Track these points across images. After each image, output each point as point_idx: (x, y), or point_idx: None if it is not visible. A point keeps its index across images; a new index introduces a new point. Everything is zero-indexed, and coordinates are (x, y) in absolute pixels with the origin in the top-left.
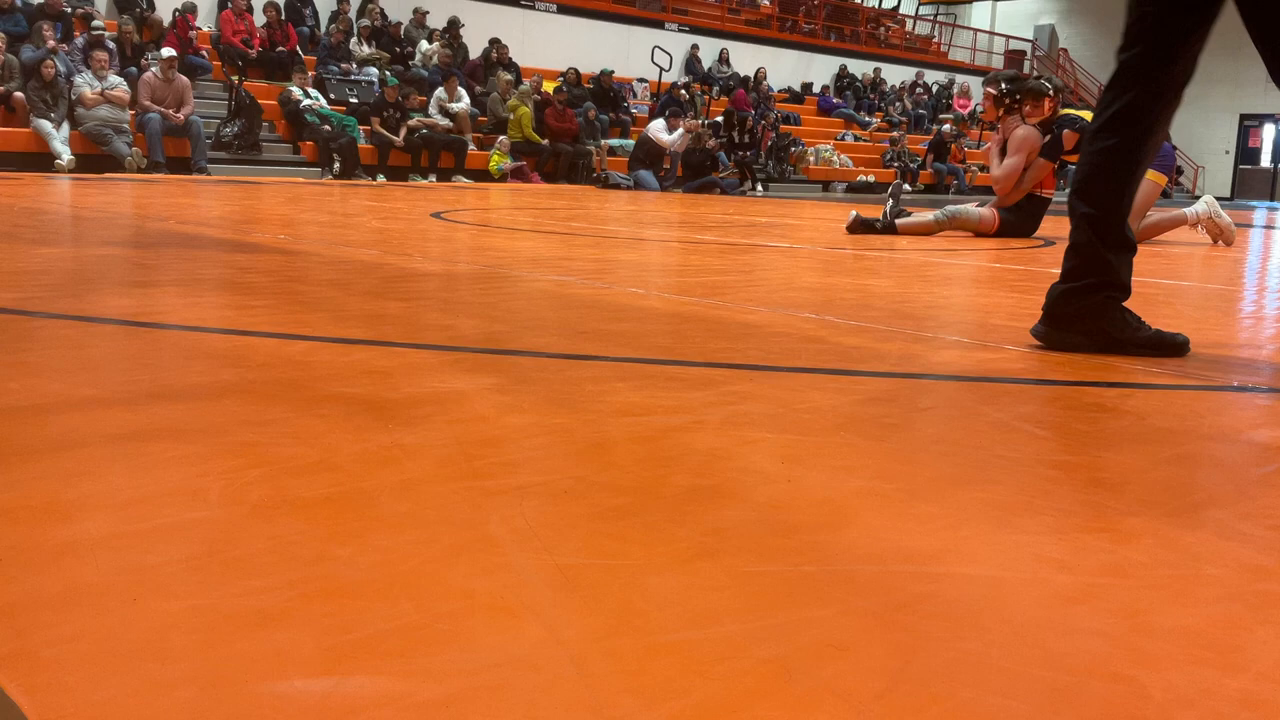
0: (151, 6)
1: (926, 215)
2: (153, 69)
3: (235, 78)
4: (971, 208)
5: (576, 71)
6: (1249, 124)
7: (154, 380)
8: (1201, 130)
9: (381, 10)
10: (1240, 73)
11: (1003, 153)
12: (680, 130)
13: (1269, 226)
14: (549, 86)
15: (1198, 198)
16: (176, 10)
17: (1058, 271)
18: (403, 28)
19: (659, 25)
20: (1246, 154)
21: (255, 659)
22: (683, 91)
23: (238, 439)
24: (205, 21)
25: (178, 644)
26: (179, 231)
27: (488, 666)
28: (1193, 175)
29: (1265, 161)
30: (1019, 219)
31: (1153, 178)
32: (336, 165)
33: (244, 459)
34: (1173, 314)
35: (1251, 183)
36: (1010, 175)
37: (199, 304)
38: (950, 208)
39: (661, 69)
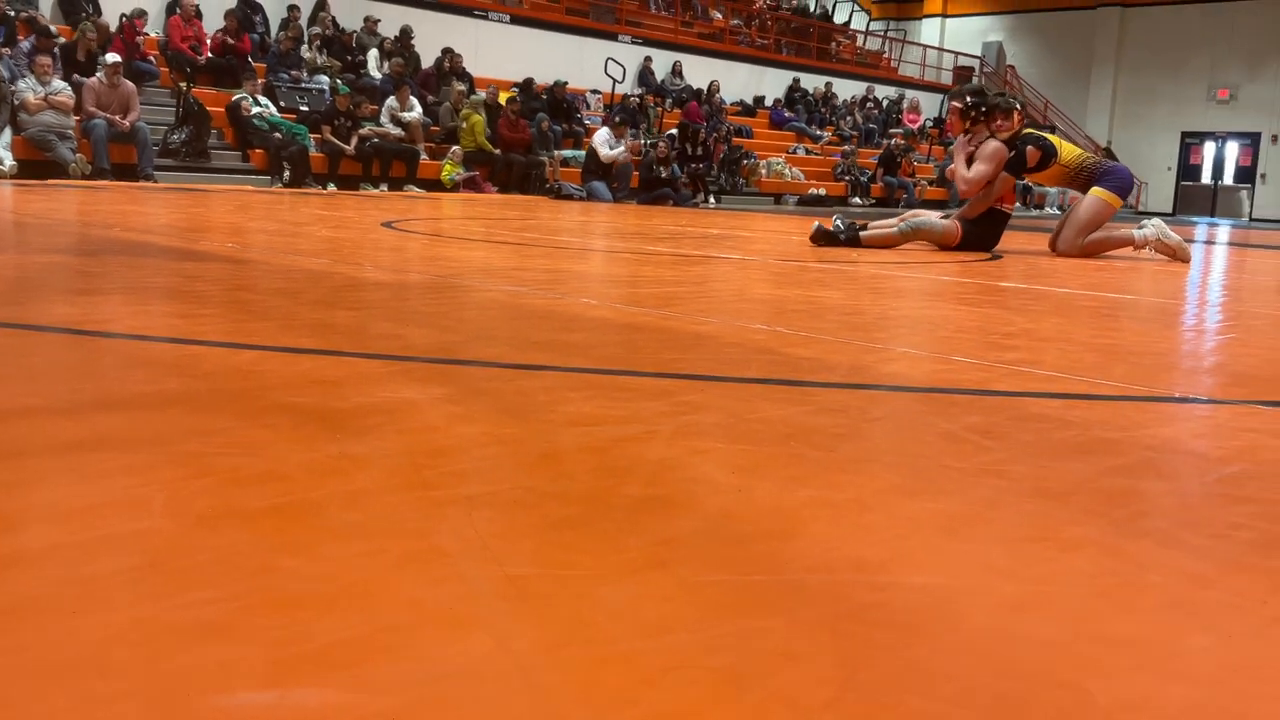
0: (98, 11)
1: (890, 228)
2: (98, 74)
3: (183, 84)
4: (936, 219)
5: (531, 81)
6: (1190, 141)
7: (98, 389)
8: (1145, 148)
9: (333, 19)
10: (1182, 92)
11: (969, 164)
12: (621, 148)
13: (1210, 242)
14: (504, 96)
15: (1142, 214)
16: (124, 15)
17: (1007, 285)
18: (355, 36)
19: (612, 37)
20: (1188, 171)
21: (200, 672)
22: (635, 100)
23: (183, 449)
24: (153, 27)
25: (120, 657)
26: (124, 239)
27: (436, 678)
28: (1136, 191)
29: (1206, 178)
30: (981, 232)
31: (1106, 198)
32: (286, 174)
33: (189, 469)
34: (1117, 326)
35: (1193, 199)
36: (979, 181)
37: (144, 312)
38: (914, 219)
39: (615, 80)
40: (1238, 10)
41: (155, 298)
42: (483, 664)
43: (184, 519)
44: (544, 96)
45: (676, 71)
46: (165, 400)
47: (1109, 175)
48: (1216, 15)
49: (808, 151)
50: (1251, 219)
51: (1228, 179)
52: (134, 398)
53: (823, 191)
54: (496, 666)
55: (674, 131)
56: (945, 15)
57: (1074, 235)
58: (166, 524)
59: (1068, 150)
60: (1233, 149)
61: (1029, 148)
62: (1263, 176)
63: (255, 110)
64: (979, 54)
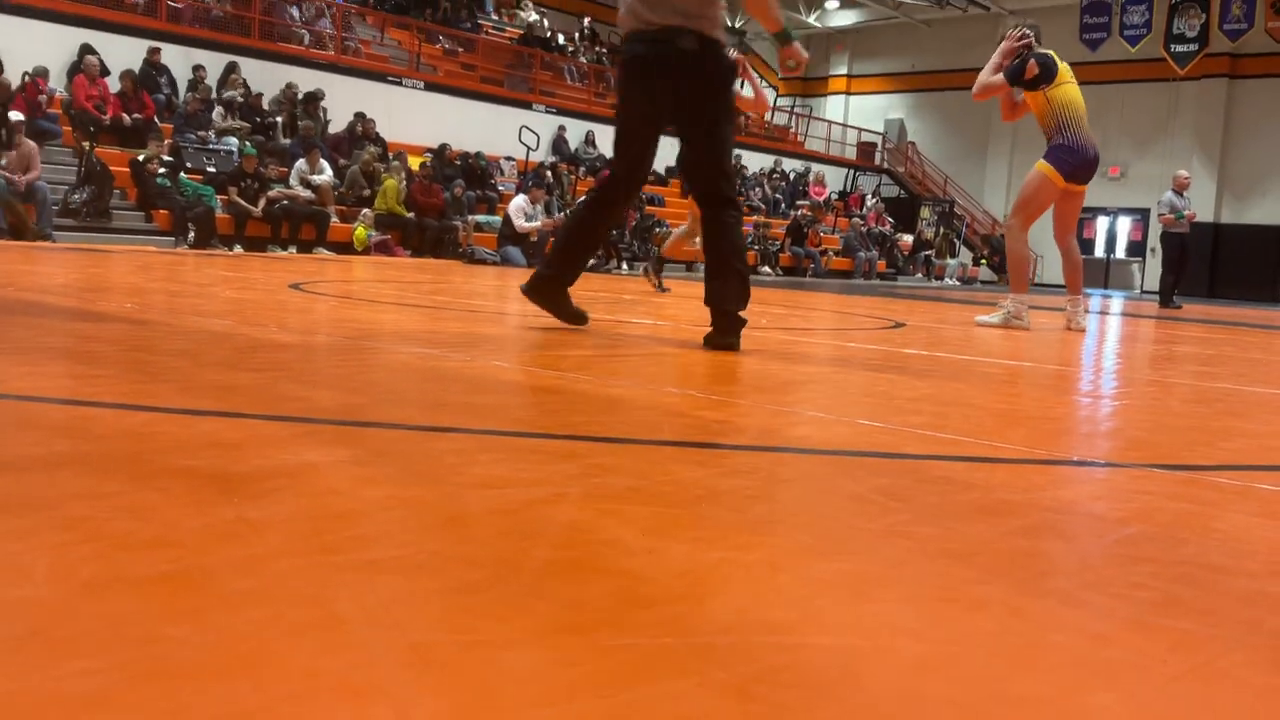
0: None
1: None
2: None
3: (86, 144)
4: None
5: (446, 146)
6: (1083, 216)
7: None
8: (1040, 222)
9: (245, 82)
10: None
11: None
12: (538, 222)
13: (1103, 313)
14: (415, 163)
15: (1039, 285)
16: (26, 73)
17: (911, 352)
18: (264, 99)
19: (527, 106)
20: (1082, 245)
21: None
22: (548, 173)
23: (69, 513)
24: (56, 84)
25: None
26: (18, 299)
27: None
28: (1034, 265)
29: (1099, 252)
30: None
31: (1048, 173)
32: (191, 235)
33: (75, 533)
34: (1016, 392)
35: (1086, 272)
36: (989, 87)
37: (35, 373)
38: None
39: (529, 148)
40: (1126, 92)
41: (47, 358)
42: None
43: (68, 585)
44: (458, 163)
45: (590, 140)
46: (53, 462)
47: (1062, 149)
48: (1106, 96)
49: None
50: (1143, 291)
51: (1120, 253)
52: (19, 460)
53: None
54: None
55: (582, 200)
56: (849, 93)
57: (1012, 212)
58: (48, 591)
59: (1065, 91)
60: (1124, 224)
61: (1031, 60)
62: (1153, 250)
63: (162, 171)
64: (881, 130)
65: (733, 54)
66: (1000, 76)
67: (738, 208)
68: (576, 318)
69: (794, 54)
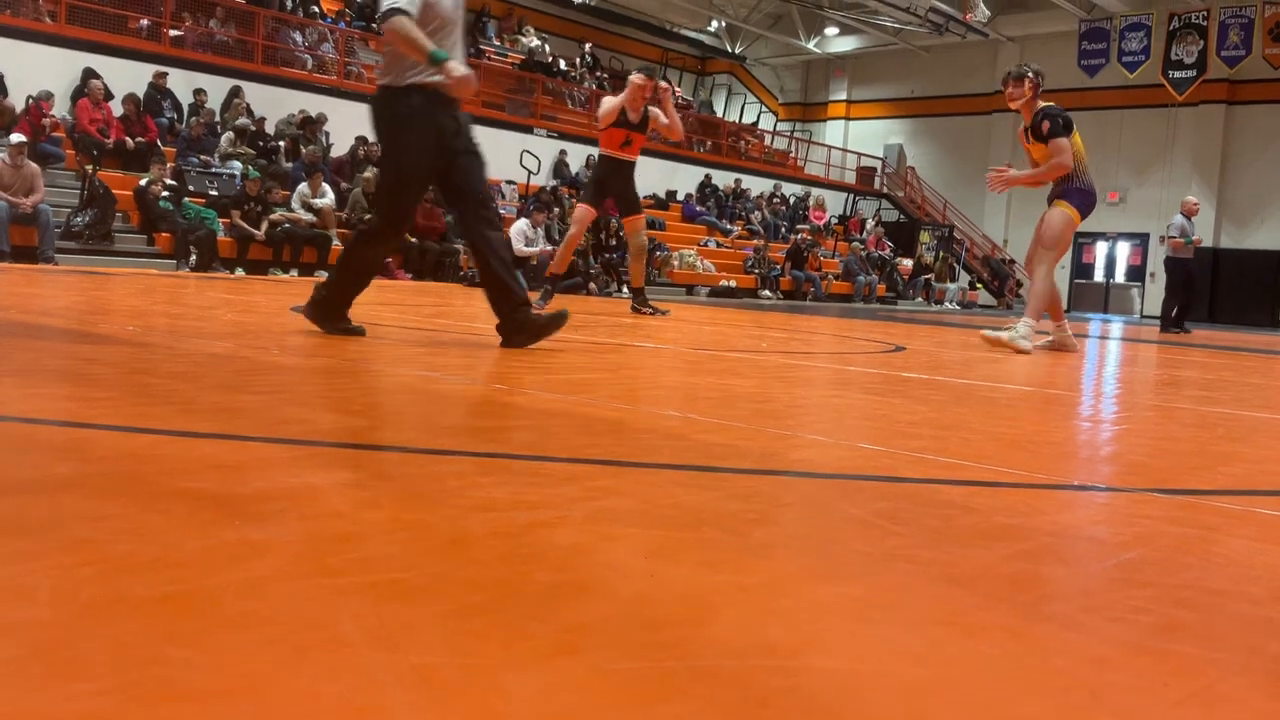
0: (4, 92)
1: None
2: (1, 155)
3: (89, 167)
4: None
5: None
6: (1082, 241)
7: None
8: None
9: (248, 106)
10: None
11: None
12: (538, 248)
13: (1103, 337)
14: None
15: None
16: (30, 97)
17: (910, 376)
18: (266, 123)
19: (528, 130)
20: (1081, 269)
21: None
22: (549, 192)
23: (71, 535)
24: (60, 108)
25: None
26: (20, 321)
27: None
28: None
29: (1099, 276)
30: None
31: (1070, 213)
32: (193, 258)
33: (77, 555)
34: (1016, 416)
35: (1086, 296)
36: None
37: (37, 395)
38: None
39: (530, 172)
40: (1125, 118)
41: (49, 380)
42: None
43: (71, 607)
44: None
45: (590, 165)
46: (55, 485)
47: (1076, 193)
48: (1105, 122)
49: (718, 245)
50: (1142, 316)
51: (1119, 277)
52: (21, 482)
53: (733, 283)
54: None
55: None
56: (849, 118)
57: (1042, 251)
58: (51, 613)
59: (1078, 139)
60: (1124, 249)
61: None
62: (1152, 275)
63: (165, 195)
64: (881, 155)
65: (637, 78)
66: (1063, 146)
67: (370, 229)
68: (352, 332)
69: (446, 73)
